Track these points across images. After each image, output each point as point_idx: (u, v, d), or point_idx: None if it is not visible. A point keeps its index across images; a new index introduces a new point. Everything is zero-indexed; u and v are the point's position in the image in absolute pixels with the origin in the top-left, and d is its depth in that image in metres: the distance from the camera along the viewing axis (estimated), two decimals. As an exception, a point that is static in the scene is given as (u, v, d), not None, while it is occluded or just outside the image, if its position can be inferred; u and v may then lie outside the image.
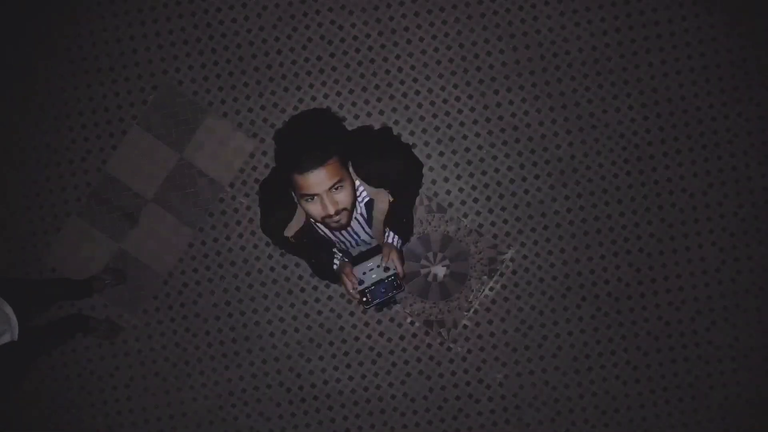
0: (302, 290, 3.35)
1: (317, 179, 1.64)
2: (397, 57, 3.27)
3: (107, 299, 3.35)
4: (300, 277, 3.34)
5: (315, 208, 1.71)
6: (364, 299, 2.09)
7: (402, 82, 3.28)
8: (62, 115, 3.31)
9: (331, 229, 1.82)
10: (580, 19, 3.24)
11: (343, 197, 1.72)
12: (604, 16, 3.24)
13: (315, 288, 3.34)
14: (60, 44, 3.30)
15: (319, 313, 3.35)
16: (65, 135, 3.32)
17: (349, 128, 3.25)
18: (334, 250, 2.21)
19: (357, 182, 1.91)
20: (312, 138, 1.65)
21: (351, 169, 1.85)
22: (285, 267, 3.34)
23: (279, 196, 1.91)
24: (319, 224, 2.01)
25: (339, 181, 1.68)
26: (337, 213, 1.71)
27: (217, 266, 3.34)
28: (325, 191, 1.67)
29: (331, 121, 1.78)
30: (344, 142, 1.73)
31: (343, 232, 2.08)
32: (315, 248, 2.14)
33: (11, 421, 3.39)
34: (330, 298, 3.34)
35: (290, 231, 1.96)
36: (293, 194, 1.80)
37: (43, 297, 2.91)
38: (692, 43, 3.23)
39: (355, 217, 2.02)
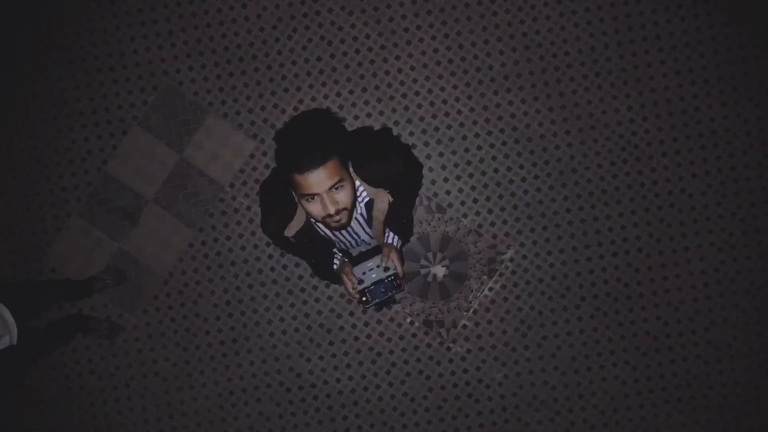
0: (302, 290, 3.35)
1: (317, 179, 1.65)
2: (397, 58, 3.28)
3: (107, 299, 3.36)
4: (300, 278, 3.35)
5: (315, 208, 1.72)
6: (364, 299, 2.10)
7: (402, 83, 3.29)
8: (63, 115, 3.32)
9: (331, 228, 1.83)
10: (579, 20, 3.24)
11: (343, 197, 1.73)
12: (603, 16, 3.24)
13: (315, 288, 3.35)
14: (60, 44, 3.30)
15: (319, 313, 3.36)
16: (66, 135, 3.33)
17: (349, 128, 3.26)
18: (335, 250, 2.22)
19: (357, 182, 1.92)
20: (312, 138, 1.67)
21: (351, 170, 1.86)
22: (285, 267, 3.35)
23: (280, 196, 1.92)
24: (319, 224, 2.03)
25: (339, 181, 1.70)
26: (338, 213, 1.73)
27: (218, 266, 3.35)
28: (326, 191, 1.68)
29: (331, 122, 1.79)
30: (344, 142, 1.74)
31: (344, 232, 2.09)
32: (315, 248, 2.15)
33: (11, 421, 3.40)
34: (330, 298, 3.35)
35: (291, 231, 1.97)
36: (294, 194, 1.81)
37: (43, 298, 2.92)
38: (691, 43, 3.24)
39: (355, 218, 2.03)
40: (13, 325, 2.47)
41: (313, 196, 1.69)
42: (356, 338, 3.36)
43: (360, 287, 2.10)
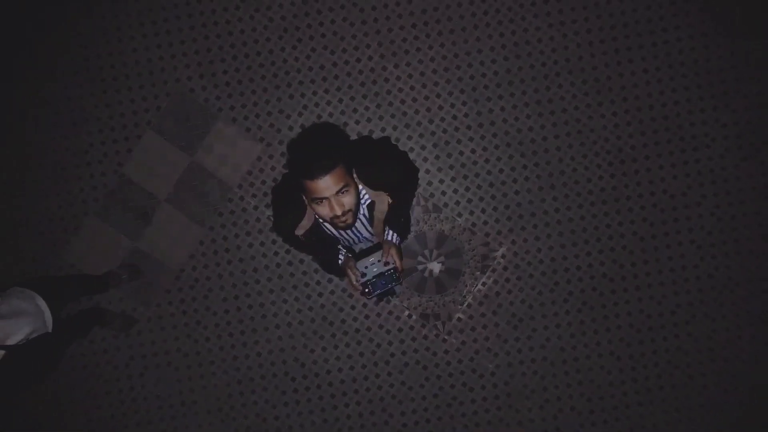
0: (306, 285, 3.49)
1: (325, 185, 1.84)
2: (396, 66, 3.41)
3: (123, 293, 3.48)
4: (304, 273, 3.48)
5: (324, 210, 1.91)
6: (366, 290, 2.27)
7: (400, 89, 3.41)
8: (81, 121, 3.44)
9: (337, 228, 2.01)
10: (567, 31, 3.39)
11: (348, 200, 1.92)
12: (591, 27, 3.38)
13: (318, 283, 3.49)
14: (79, 54, 3.42)
15: (322, 306, 3.49)
16: (84, 139, 3.45)
17: (351, 133, 3.41)
18: (339, 247, 2.39)
19: (360, 186, 2.10)
20: (320, 148, 1.85)
21: (354, 175, 2.05)
22: (290, 263, 3.48)
23: (291, 199, 2.10)
24: (326, 224, 2.20)
25: (344, 186, 1.88)
26: (344, 214, 1.91)
27: (226, 263, 3.48)
28: (333, 195, 1.86)
29: (337, 133, 1.99)
30: (348, 151, 1.93)
31: (348, 231, 2.26)
32: (322, 245, 2.31)
33: (28, 410, 3.51)
34: (332, 292, 3.49)
35: (300, 230, 2.15)
36: (304, 198, 2.00)
37: (67, 292, 3.01)
38: (672, 53, 3.37)
39: (359, 218, 2.21)
40: (48, 314, 2.61)
41: (321, 199, 1.87)
42: (357, 330, 3.50)
43: (362, 280, 2.27)
